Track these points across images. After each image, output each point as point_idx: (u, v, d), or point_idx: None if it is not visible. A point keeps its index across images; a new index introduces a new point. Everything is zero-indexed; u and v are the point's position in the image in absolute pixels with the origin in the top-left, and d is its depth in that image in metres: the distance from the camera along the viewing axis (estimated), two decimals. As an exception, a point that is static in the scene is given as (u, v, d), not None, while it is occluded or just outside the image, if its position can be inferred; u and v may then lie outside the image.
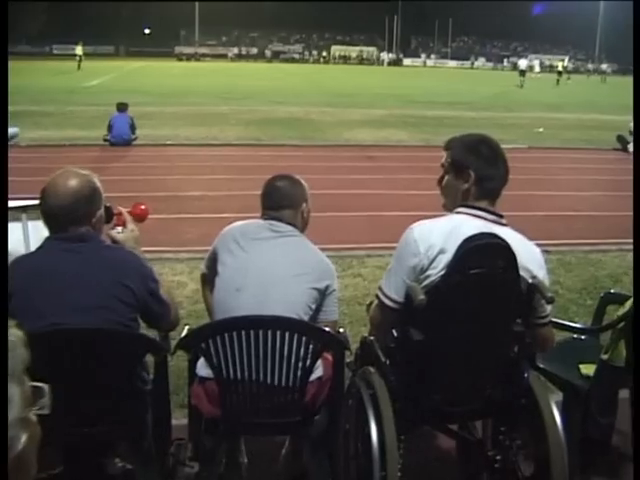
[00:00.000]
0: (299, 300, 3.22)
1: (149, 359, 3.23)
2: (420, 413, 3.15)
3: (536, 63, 71.16)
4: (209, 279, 3.58)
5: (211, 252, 3.54)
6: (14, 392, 1.10)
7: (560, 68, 56.58)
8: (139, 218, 3.49)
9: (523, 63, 54.43)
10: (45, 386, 1.22)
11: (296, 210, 3.46)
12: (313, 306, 3.28)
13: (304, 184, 3.58)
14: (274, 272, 3.24)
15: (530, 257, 2.95)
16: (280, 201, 3.45)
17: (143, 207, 3.55)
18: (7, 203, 2.97)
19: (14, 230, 5.00)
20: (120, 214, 3.37)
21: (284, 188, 3.48)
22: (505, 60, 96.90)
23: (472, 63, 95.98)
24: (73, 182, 2.94)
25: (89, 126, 17.98)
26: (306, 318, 3.22)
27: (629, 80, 53.32)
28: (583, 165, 15.51)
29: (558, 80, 53.20)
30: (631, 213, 10.46)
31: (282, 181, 3.53)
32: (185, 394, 4.04)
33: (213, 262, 3.47)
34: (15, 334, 1.16)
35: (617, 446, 4.00)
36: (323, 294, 3.33)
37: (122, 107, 15.95)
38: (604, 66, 57.03)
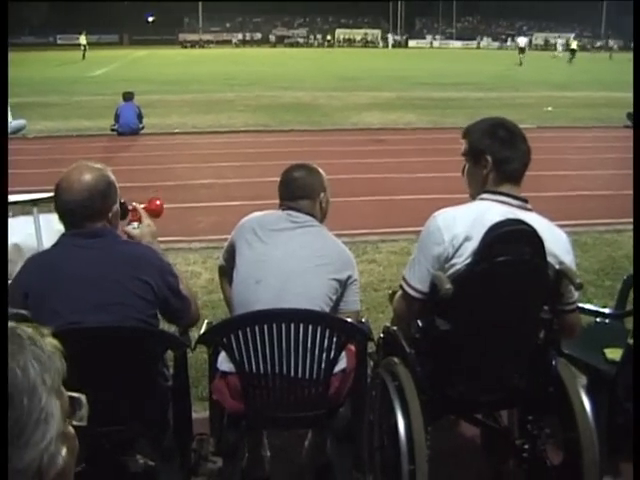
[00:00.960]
0: (320, 291, 3.17)
1: (168, 354, 3.19)
2: (446, 403, 3.11)
3: (559, 42, 71.14)
4: (227, 271, 3.53)
5: (229, 244, 3.49)
6: (54, 406, 1.06)
7: (574, 47, 56.72)
8: (155, 213, 3.43)
9: (522, 41, 55.04)
10: (82, 397, 1.17)
11: (314, 200, 3.40)
12: (334, 297, 3.23)
13: (322, 173, 3.51)
14: (293, 264, 3.19)
15: (557, 243, 2.89)
16: (297, 191, 3.39)
17: (158, 202, 3.49)
18: (7, 202, 2.90)
19: (25, 224, 4.96)
20: (135, 210, 3.30)
21: (301, 178, 3.42)
22: (510, 39, 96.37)
23: (478, 43, 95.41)
24: (88, 177, 2.88)
25: (96, 116, 17.93)
26: (327, 309, 3.17)
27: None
28: (594, 144, 15.40)
29: (571, 59, 53.23)
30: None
31: (299, 171, 3.46)
32: (204, 387, 4.01)
33: (231, 254, 3.42)
34: (51, 344, 1.11)
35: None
36: (344, 285, 3.27)
37: (128, 96, 15.90)
38: (611, 42, 56.84)
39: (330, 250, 3.30)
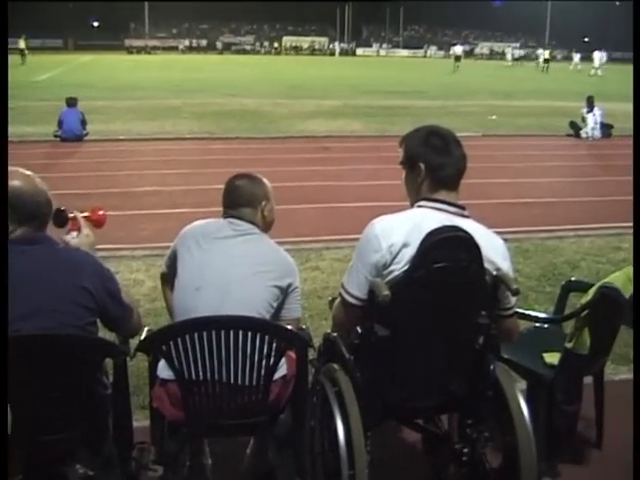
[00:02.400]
0: (260, 298, 3.17)
1: (108, 362, 3.15)
2: (386, 409, 3.12)
3: (509, 51, 72.90)
4: (169, 279, 3.52)
5: (171, 251, 3.48)
6: None
7: (547, 56, 58.60)
8: (97, 224, 3.39)
9: (458, 49, 57.78)
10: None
11: (255, 208, 3.41)
12: (275, 304, 3.23)
13: (266, 183, 3.53)
14: (234, 271, 3.19)
15: (494, 249, 2.92)
16: (239, 199, 3.41)
17: (101, 212, 3.45)
18: (7, 201, 2.85)
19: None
20: (75, 219, 3.26)
21: (243, 187, 3.44)
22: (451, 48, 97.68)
23: (425, 52, 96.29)
24: (16, 183, 2.84)
25: (39, 121, 17.69)
26: (267, 316, 3.18)
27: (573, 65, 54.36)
28: (537, 152, 15.64)
29: (544, 67, 55.63)
30: (587, 198, 10.60)
31: (242, 180, 3.48)
32: (145, 395, 3.96)
33: (173, 262, 3.41)
34: None
35: (581, 432, 4.02)
36: (285, 292, 3.28)
37: (72, 102, 15.73)
38: (546, 53, 58.70)
39: (271, 257, 3.31)
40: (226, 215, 3.41)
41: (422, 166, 2.97)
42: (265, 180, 3.55)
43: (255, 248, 3.31)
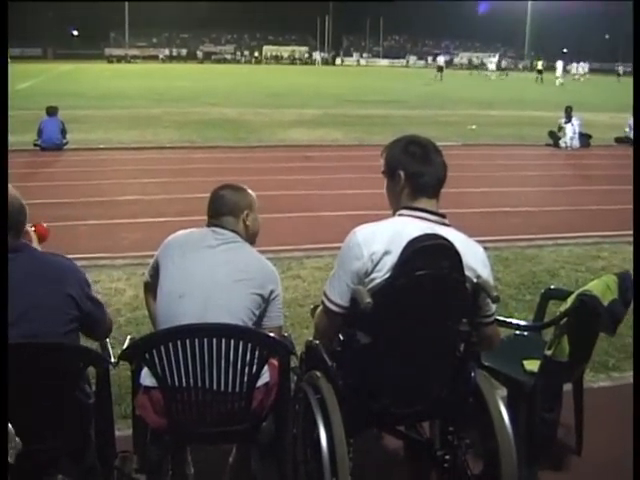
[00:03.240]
0: (242, 306, 3.19)
1: (90, 371, 3.15)
2: (368, 416, 3.14)
3: (490, 61, 73.58)
4: (152, 288, 3.53)
5: (154, 261, 3.49)
6: None
7: (540, 67, 59.39)
8: (41, 238, 3.42)
9: (441, 60, 59.47)
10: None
11: (237, 217, 3.44)
12: (257, 312, 3.25)
13: (250, 193, 3.57)
14: (216, 279, 3.21)
15: (474, 257, 2.95)
16: (221, 208, 3.44)
17: (45, 225, 3.49)
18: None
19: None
20: (27, 233, 3.27)
21: (226, 196, 3.48)
22: (433, 58, 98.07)
23: (407, 62, 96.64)
24: None
25: (18, 130, 17.53)
26: (250, 324, 3.19)
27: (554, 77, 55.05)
28: (517, 161, 15.75)
29: (538, 78, 56.10)
30: (566, 208, 10.68)
31: (225, 189, 3.52)
32: (128, 404, 3.96)
33: (156, 271, 3.42)
34: None
35: (561, 439, 4.06)
36: (267, 300, 3.30)
37: (52, 111, 15.67)
38: (540, 64, 59.86)
39: (252, 265, 3.32)
40: (209, 224, 3.44)
41: (401, 174, 3.00)
42: (250, 191, 3.58)
43: (237, 256, 3.33)
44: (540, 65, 59.64)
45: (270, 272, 3.39)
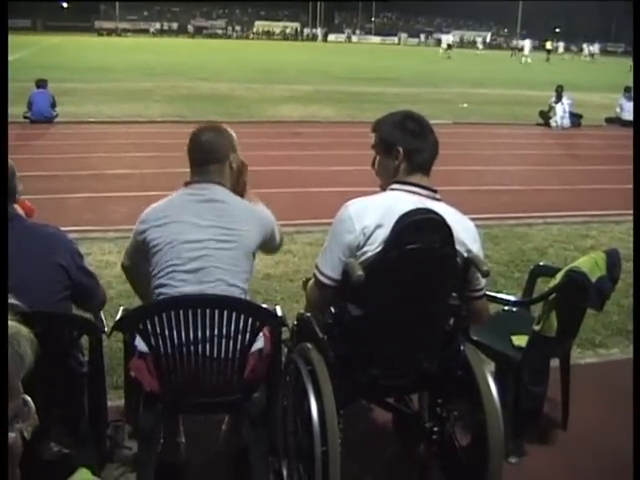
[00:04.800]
0: (236, 270, 3.17)
1: (83, 340, 3.18)
2: (358, 387, 3.17)
3: (479, 40, 74.03)
4: (134, 270, 3.48)
5: (133, 241, 3.39)
6: None
7: (549, 46, 60.82)
8: (28, 215, 3.44)
9: (449, 38, 60.36)
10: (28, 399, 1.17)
11: (223, 163, 3.35)
12: (249, 267, 3.28)
13: (232, 133, 3.46)
14: (211, 243, 3.16)
15: (465, 231, 2.98)
16: (205, 156, 3.34)
17: (29, 204, 3.50)
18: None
19: None
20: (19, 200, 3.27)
21: (209, 141, 3.36)
22: (426, 36, 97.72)
23: (399, 39, 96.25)
24: None
25: (8, 103, 17.49)
26: (245, 284, 3.20)
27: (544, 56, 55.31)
28: (507, 140, 15.77)
29: (547, 59, 56.98)
30: (556, 187, 10.72)
31: (206, 133, 3.39)
32: (119, 375, 3.99)
33: (137, 250, 3.34)
34: (27, 337, 1.11)
35: (547, 413, 4.11)
36: (265, 240, 3.37)
37: (41, 83, 15.59)
38: (549, 44, 60.59)
39: (242, 220, 3.26)
40: (193, 179, 3.36)
41: (400, 150, 3.01)
42: (231, 131, 3.48)
43: (222, 216, 3.23)
44: (549, 45, 60.66)
45: (260, 219, 3.36)
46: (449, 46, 57.40)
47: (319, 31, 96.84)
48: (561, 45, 68.65)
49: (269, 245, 3.49)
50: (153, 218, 3.27)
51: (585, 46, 66.53)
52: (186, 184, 3.38)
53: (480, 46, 71.56)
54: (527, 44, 56.99)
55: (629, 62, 38.87)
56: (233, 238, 3.20)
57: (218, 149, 3.36)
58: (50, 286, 2.89)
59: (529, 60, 52.66)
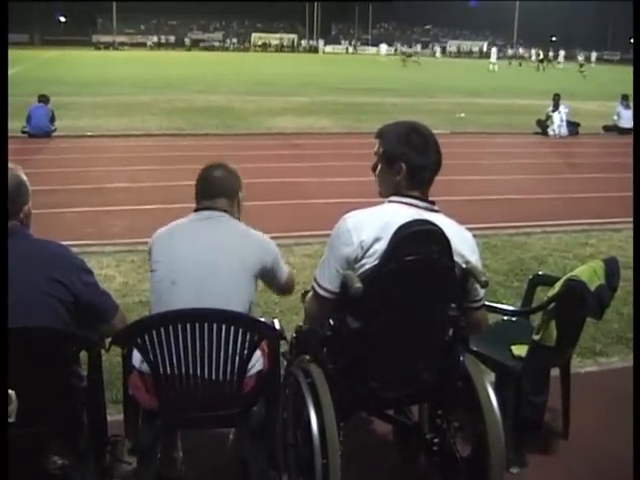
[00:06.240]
0: (236, 288, 3.18)
1: (83, 355, 3.16)
2: (358, 399, 3.16)
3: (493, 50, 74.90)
4: None
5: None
6: None
7: (542, 55, 62.45)
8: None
9: (453, 47, 61.56)
10: (12, 393, 1.16)
11: (232, 200, 3.42)
12: (254, 285, 3.31)
13: (237, 172, 3.55)
14: (207, 260, 3.19)
15: (463, 242, 2.97)
16: (214, 189, 3.40)
17: None
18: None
19: None
20: (27, 214, 3.26)
21: (219, 178, 3.44)
22: (421, 46, 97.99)
23: (395, 49, 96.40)
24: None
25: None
26: (247, 304, 3.20)
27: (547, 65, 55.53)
28: (505, 149, 15.80)
29: (541, 67, 58.77)
30: (554, 195, 10.72)
31: (217, 170, 3.47)
32: (118, 389, 3.97)
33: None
34: None
35: (548, 423, 4.09)
36: (267, 269, 3.37)
37: (43, 99, 15.65)
38: (521, 51, 61.39)
39: (244, 244, 3.31)
40: (200, 206, 3.41)
41: (403, 166, 2.98)
42: (236, 168, 3.57)
43: (227, 237, 3.30)
44: (541, 54, 62.27)
45: (262, 244, 3.39)
46: (409, 55, 60.91)
47: (315, 43, 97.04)
48: (561, 54, 69.20)
49: (272, 275, 3.47)
50: (161, 236, 3.36)
51: (579, 56, 67.06)
52: (196, 210, 3.43)
53: (494, 58, 72.00)
54: (493, 52, 59.18)
55: (624, 69, 39.02)
56: (234, 257, 3.23)
57: (230, 186, 3.45)
58: (48, 301, 2.87)
59: (496, 68, 54.10)
